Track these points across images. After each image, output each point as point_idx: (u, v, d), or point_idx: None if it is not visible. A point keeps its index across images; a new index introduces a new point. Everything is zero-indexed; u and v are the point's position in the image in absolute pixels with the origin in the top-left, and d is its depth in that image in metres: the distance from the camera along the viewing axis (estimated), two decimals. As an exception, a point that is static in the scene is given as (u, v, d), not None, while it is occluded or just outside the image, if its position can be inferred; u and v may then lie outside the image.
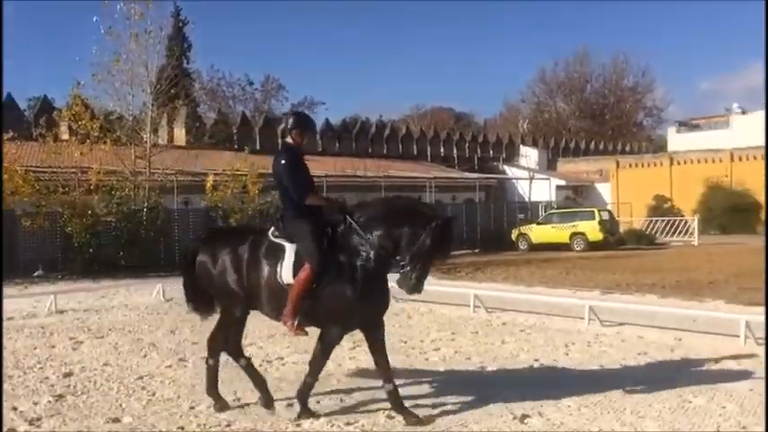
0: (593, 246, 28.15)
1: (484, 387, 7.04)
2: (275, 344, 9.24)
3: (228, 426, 5.98)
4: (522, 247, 30.01)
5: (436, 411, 6.21)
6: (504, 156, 49.51)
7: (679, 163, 42.10)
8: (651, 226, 34.19)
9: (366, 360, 8.27)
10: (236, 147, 35.65)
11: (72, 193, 21.43)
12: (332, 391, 6.92)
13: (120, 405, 6.62)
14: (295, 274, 5.76)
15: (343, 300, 5.75)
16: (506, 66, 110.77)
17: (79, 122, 22.81)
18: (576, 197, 43.32)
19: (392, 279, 5.99)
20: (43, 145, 23.92)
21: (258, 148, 35.57)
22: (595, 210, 30.75)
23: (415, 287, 5.72)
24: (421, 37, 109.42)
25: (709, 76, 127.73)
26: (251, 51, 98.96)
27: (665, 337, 9.67)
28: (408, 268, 5.69)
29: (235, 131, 38.49)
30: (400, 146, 45.54)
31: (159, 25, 24.98)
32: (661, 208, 37.40)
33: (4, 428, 5.96)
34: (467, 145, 48.73)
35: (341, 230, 5.92)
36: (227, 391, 6.61)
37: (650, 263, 22.09)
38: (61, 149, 22.92)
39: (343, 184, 28.77)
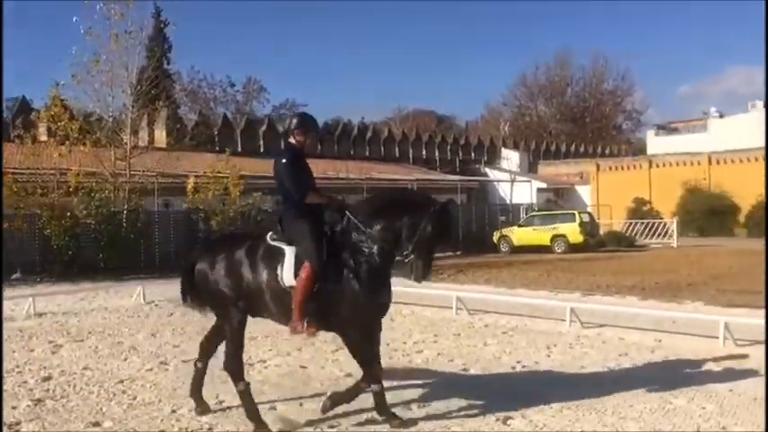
0: (573, 248, 28.35)
1: (467, 389, 7.06)
2: (257, 347, 9.19)
3: (210, 429, 5.95)
4: (503, 249, 30.14)
5: (419, 414, 6.22)
6: (485, 158, 49.70)
7: (658, 166, 42.52)
8: (631, 228, 34.51)
9: (349, 363, 8.27)
10: (217, 148, 35.42)
11: (51, 195, 21.20)
12: (314, 394, 6.90)
13: (101, 409, 6.56)
14: (296, 276, 5.72)
15: (352, 297, 5.71)
16: (488, 68, 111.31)
17: (58, 124, 22.56)
18: (557, 199, 43.58)
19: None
20: (21, 146, 23.62)
21: (239, 149, 35.40)
22: (576, 212, 30.98)
23: (422, 274, 5.76)
24: (403, 39, 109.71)
25: (687, 79, 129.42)
26: (232, 53, 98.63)
27: (645, 339, 9.75)
28: (413, 257, 5.71)
29: (216, 133, 38.28)
30: (382, 148, 45.57)
31: (140, 26, 24.81)
32: (640, 210, 37.77)
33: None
34: (448, 147, 48.87)
35: (341, 228, 5.92)
36: (209, 395, 6.56)
37: (630, 265, 22.28)
38: (40, 151, 22.66)
39: (326, 187, 28.46)
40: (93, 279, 19.03)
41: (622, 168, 44.23)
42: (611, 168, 44.76)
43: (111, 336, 10.57)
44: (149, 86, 24.92)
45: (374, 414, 6.05)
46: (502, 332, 10.53)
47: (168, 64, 50.75)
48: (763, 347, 8.86)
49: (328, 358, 8.54)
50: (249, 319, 6.21)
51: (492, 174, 46.68)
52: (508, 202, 38.44)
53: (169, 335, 10.50)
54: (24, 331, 11.02)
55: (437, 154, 47.79)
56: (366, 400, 6.17)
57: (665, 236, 33.40)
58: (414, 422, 5.96)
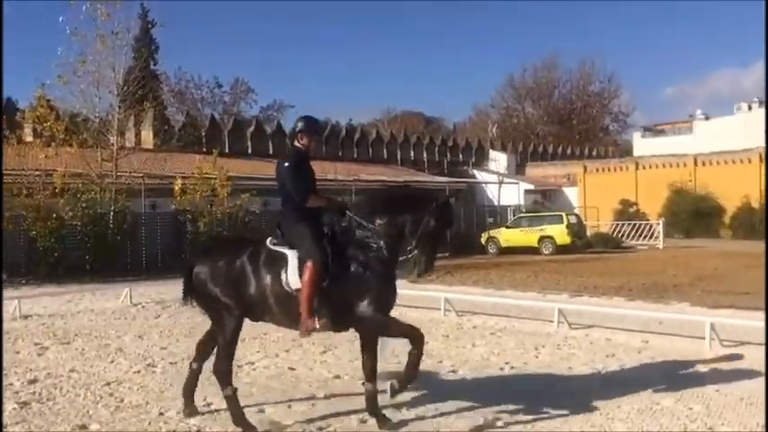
0: (561, 249, 28.45)
1: (455, 390, 7.07)
2: (245, 349, 9.15)
3: (198, 431, 5.92)
4: (491, 250, 30.20)
5: (409, 415, 6.22)
6: (473, 160, 49.78)
7: (644, 168, 42.76)
8: (617, 229, 34.68)
9: (337, 364, 8.27)
10: (204, 150, 35.26)
11: (36, 197, 21.03)
12: (303, 396, 6.89)
13: (88, 412, 6.51)
14: (301, 278, 5.71)
15: (366, 283, 5.72)
16: (476, 70, 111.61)
17: (44, 124, 22.38)
18: (545, 201, 43.72)
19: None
20: (6, 147, 23.41)
21: (227, 150, 35.26)
22: (563, 214, 31.11)
23: (424, 268, 5.82)
24: (391, 40, 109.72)
25: (672, 82, 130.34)
26: (219, 53, 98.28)
27: (632, 340, 9.81)
28: (417, 251, 5.77)
29: (203, 134, 38.11)
30: (370, 149, 45.54)
31: (126, 26, 24.64)
32: (627, 212, 37.94)
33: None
34: (436, 149, 48.91)
35: (343, 227, 5.93)
36: (197, 397, 6.51)
37: (617, 266, 22.40)
38: (25, 152, 22.46)
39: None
40: (79, 281, 18.89)
41: (609, 170, 44.45)
42: (597, 170, 44.97)
43: (98, 338, 10.50)
44: (136, 87, 24.78)
45: (364, 415, 6.05)
46: (490, 333, 10.56)
47: (155, 65, 50.49)
48: (748, 348, 8.96)
49: (317, 360, 8.53)
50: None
51: (480, 175, 46.77)
52: (496, 203, 38.51)
53: (156, 337, 10.45)
54: (10, 333, 10.91)
55: (425, 155, 47.82)
56: (355, 401, 6.16)
57: (651, 237, 33.61)
58: (403, 423, 5.97)
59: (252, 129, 40.55)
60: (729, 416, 6.21)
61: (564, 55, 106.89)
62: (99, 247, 21.24)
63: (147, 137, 34.44)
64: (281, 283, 5.80)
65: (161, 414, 6.38)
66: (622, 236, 33.92)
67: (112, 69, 23.75)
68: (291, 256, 5.82)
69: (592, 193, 42.38)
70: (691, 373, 7.90)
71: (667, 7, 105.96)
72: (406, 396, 6.83)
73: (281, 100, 67.54)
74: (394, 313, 6.11)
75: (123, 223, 22.15)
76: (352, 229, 5.90)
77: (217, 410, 6.37)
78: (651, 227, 34.17)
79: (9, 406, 6.67)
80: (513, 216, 33.59)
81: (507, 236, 30.26)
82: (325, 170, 34.22)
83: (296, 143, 6.22)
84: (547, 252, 28.61)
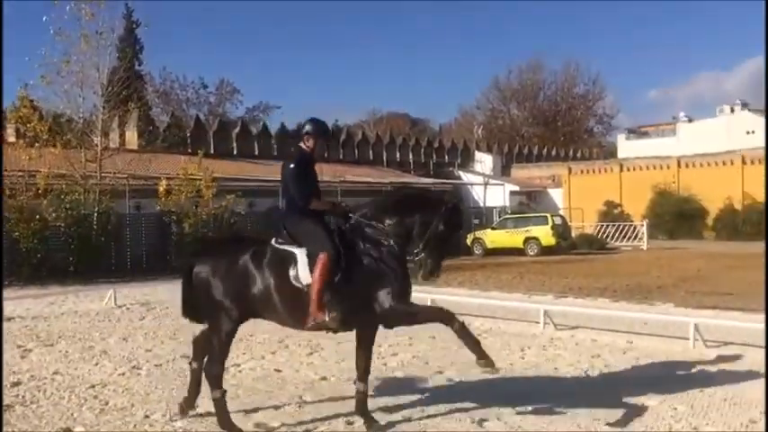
0: (546, 250, 28.59)
1: (442, 391, 7.09)
2: (231, 350, 9.09)
3: (184, 434, 5.89)
4: (476, 251, 30.27)
5: (396, 417, 6.22)
6: (459, 161, 49.92)
7: (628, 169, 43.06)
8: (602, 231, 34.90)
9: (323, 366, 8.26)
10: (189, 150, 35.11)
11: (19, 198, 20.82)
12: (289, 398, 6.87)
13: (72, 415, 6.46)
14: (312, 272, 5.64)
15: (383, 275, 5.66)
16: (462, 71, 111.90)
17: (27, 125, 22.20)
18: (530, 202, 43.91)
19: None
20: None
21: (212, 151, 35.11)
22: (548, 215, 31.27)
23: (430, 271, 5.79)
24: (377, 41, 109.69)
25: (656, 84, 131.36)
26: (205, 54, 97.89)
27: (617, 340, 9.87)
28: (424, 254, 5.75)
29: (188, 135, 37.94)
30: (356, 151, 45.53)
31: (111, 26, 24.48)
32: (611, 213, 38.20)
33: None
34: (422, 150, 48.97)
35: (350, 226, 5.88)
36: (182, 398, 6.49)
37: (602, 267, 22.54)
38: (8, 152, 22.24)
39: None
40: (62, 282, 18.72)
41: (594, 172, 44.72)
42: (582, 172, 45.23)
43: (82, 340, 10.41)
44: (120, 87, 24.62)
45: (351, 417, 6.04)
46: (476, 334, 10.52)
47: (140, 65, 50.27)
48: (732, 348, 9.05)
49: (303, 362, 8.51)
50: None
51: (465, 177, 46.88)
52: (481, 204, 38.62)
53: (141, 339, 10.38)
54: (-8, 336, 10.81)
55: (411, 157, 47.87)
56: (342, 403, 6.15)
57: (635, 238, 33.87)
58: (390, 424, 5.96)
59: (237, 130, 40.42)
60: (714, 416, 6.26)
61: (549, 57, 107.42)
62: (83, 249, 21.06)
63: (132, 137, 34.24)
64: (290, 279, 5.70)
65: (146, 417, 6.34)
66: (607, 237, 34.15)
67: (97, 69, 23.60)
68: (300, 253, 5.74)
69: (576, 194, 42.61)
70: (675, 373, 7.95)
71: (651, 10, 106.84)
72: (393, 397, 6.85)
73: (267, 101, 67.41)
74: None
75: (107, 224, 21.98)
76: (361, 226, 5.85)
77: (202, 414, 6.31)
78: (635, 228, 34.42)
79: (-8, 409, 6.60)
80: (499, 217, 33.70)
81: (493, 237, 30.37)
82: (310, 171, 34.30)
83: (301, 144, 6.19)
84: (532, 253, 28.74)
